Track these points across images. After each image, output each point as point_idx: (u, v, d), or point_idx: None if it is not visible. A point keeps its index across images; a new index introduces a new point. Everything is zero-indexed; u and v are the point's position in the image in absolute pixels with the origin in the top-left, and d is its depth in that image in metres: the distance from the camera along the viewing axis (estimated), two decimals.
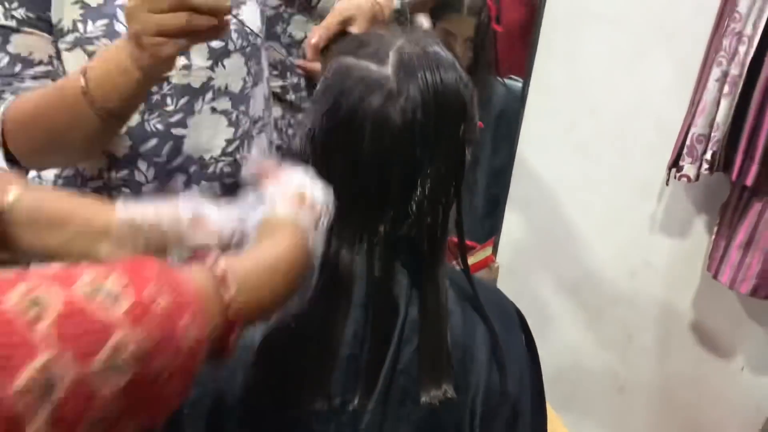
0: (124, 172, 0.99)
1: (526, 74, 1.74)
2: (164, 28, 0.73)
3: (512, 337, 0.82)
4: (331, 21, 0.93)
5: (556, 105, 1.75)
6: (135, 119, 0.96)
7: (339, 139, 0.70)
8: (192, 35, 0.75)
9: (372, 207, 0.72)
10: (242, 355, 0.70)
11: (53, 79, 0.89)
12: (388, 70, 0.70)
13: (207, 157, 1.02)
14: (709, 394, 1.94)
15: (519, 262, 1.90)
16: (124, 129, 0.94)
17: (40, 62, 0.89)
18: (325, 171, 0.69)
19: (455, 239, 0.78)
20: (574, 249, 1.86)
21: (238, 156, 1.06)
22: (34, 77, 0.88)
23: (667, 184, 1.70)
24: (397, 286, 0.74)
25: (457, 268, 0.81)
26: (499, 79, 1.96)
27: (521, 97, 1.76)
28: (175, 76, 0.97)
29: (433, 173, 0.71)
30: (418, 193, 0.71)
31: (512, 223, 1.88)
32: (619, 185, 1.78)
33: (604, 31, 1.66)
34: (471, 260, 1.90)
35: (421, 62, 0.70)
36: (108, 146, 0.97)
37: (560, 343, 1.94)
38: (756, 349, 1.88)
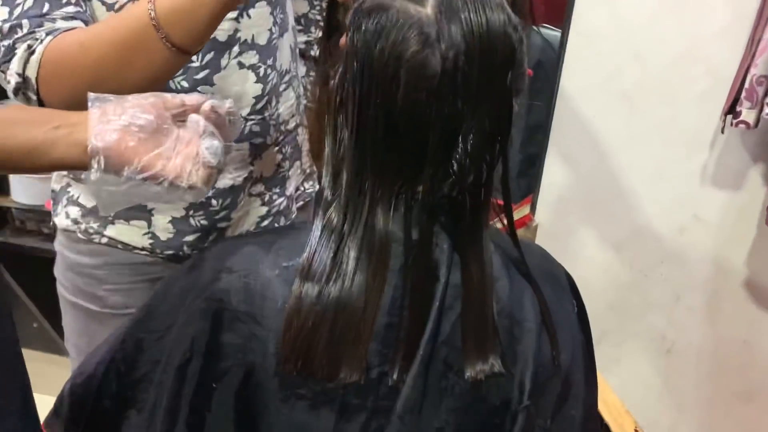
0: None
1: (564, 18, 1.65)
2: None
3: (563, 304, 0.76)
4: None
5: (598, 51, 1.66)
6: None
7: (371, 89, 0.64)
8: None
9: (409, 165, 0.66)
10: (273, 324, 0.66)
11: (84, 21, 0.82)
12: (428, 10, 0.63)
13: None
14: (762, 357, 1.86)
15: (558, 220, 1.84)
16: None
17: (68, 2, 0.81)
18: (356, 125, 0.64)
19: (499, 200, 0.71)
20: (619, 206, 1.79)
21: (266, 114, 1.01)
22: (65, 18, 0.80)
23: (722, 132, 1.60)
24: (437, 250, 0.68)
25: (501, 229, 0.74)
26: (533, 27, 1.88)
27: (560, 44, 1.68)
28: None
29: (477, 127, 0.64)
30: (460, 149, 0.65)
31: (551, 179, 1.81)
32: (667, 136, 1.68)
33: None
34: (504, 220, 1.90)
35: (465, 1, 0.63)
36: None
37: (603, 303, 1.88)
38: None
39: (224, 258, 0.71)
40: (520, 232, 1.72)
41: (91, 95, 0.64)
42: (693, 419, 1.97)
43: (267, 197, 1.05)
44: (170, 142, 0.64)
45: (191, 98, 0.67)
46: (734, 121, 1.52)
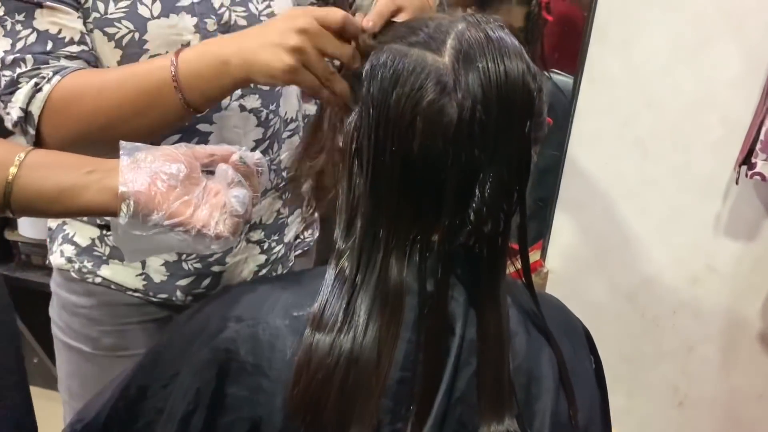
0: None
1: (578, 65, 1.65)
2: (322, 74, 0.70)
3: (580, 359, 0.74)
4: (383, 8, 0.85)
5: (611, 98, 1.65)
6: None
7: (387, 137, 0.62)
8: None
9: (424, 214, 0.65)
10: (281, 376, 0.64)
11: (87, 61, 0.82)
12: (445, 58, 0.62)
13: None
14: None
15: (569, 267, 1.81)
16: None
17: (71, 41, 0.82)
18: (371, 173, 0.63)
19: (514, 247, 0.69)
20: (631, 253, 1.76)
21: (267, 158, 0.99)
22: (69, 56, 0.81)
23: (737, 183, 1.58)
24: (453, 303, 0.66)
25: (513, 275, 0.72)
26: (545, 73, 1.89)
27: (572, 90, 1.67)
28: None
29: (495, 177, 0.63)
30: (477, 198, 0.63)
31: (562, 225, 1.79)
32: (680, 184, 1.67)
33: (664, 16, 1.55)
34: (517, 265, 1.88)
35: (483, 50, 0.62)
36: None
37: (615, 353, 1.84)
38: None
39: (232, 305, 0.69)
40: None
41: (123, 143, 0.65)
42: None
43: (266, 245, 1.04)
44: (199, 190, 0.65)
45: (220, 149, 0.68)
46: (749, 173, 1.51)
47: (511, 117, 0.62)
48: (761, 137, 1.48)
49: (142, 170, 0.63)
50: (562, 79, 1.82)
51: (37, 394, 0.79)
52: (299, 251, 1.14)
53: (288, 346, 0.65)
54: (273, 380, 0.64)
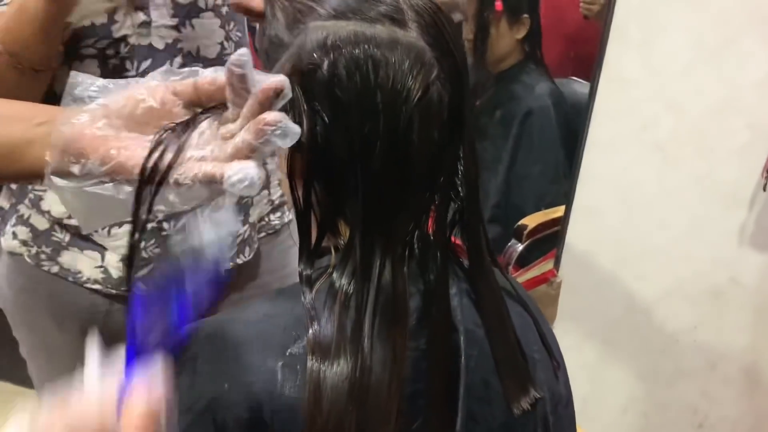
0: None
1: (595, 66, 1.58)
2: None
3: (549, 328, 0.73)
4: None
5: (630, 101, 1.57)
6: None
7: (374, 138, 0.55)
8: None
9: (417, 208, 0.60)
10: (286, 428, 0.56)
11: None
12: (413, 33, 0.55)
13: None
14: None
15: (584, 278, 1.73)
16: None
17: None
18: (359, 181, 0.56)
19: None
20: (649, 265, 1.68)
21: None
22: None
23: (764, 190, 1.49)
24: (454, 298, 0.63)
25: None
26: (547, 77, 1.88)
27: (590, 92, 1.61)
28: (133, 35, 0.85)
29: (467, 151, 0.60)
30: (460, 180, 0.61)
31: (577, 234, 1.71)
32: (703, 192, 1.59)
33: (685, 15, 1.48)
34: (529, 274, 1.83)
35: (439, 17, 0.56)
36: None
37: (630, 370, 1.76)
38: None
39: (213, 364, 0.59)
40: (542, 288, 1.67)
41: (74, 75, 0.52)
42: None
43: None
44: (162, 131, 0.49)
45: (203, 77, 0.52)
46: None
47: (468, 86, 0.59)
48: None
49: (86, 111, 0.50)
50: (579, 86, 1.80)
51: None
52: (263, 234, 1.09)
53: (288, 387, 0.57)
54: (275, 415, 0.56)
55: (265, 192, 1.06)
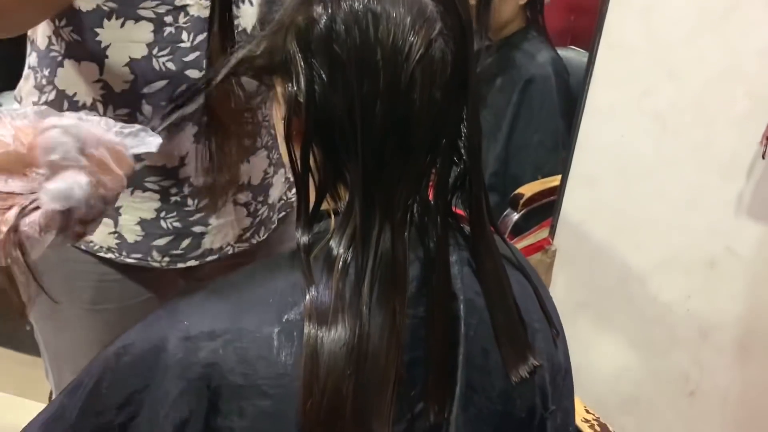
0: (122, 111, 0.85)
1: (594, 32, 1.55)
2: None
3: (548, 296, 0.73)
4: None
5: (629, 68, 1.55)
6: (141, 51, 0.82)
7: (372, 99, 0.54)
8: None
9: (419, 172, 0.59)
10: (286, 393, 0.56)
11: None
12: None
13: None
14: None
15: (579, 246, 1.73)
16: (125, 58, 0.80)
17: None
18: (357, 142, 0.55)
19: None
20: (645, 234, 1.68)
21: (259, 114, 0.95)
22: None
23: (763, 158, 1.48)
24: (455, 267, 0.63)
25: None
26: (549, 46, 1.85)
27: (588, 59, 1.59)
28: (194, 5, 0.83)
29: (470, 115, 0.58)
30: (463, 143, 0.59)
31: (573, 202, 1.70)
32: (701, 161, 1.57)
33: None
34: (524, 242, 1.83)
35: None
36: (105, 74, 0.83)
37: (624, 339, 1.77)
38: None
39: (192, 318, 0.58)
40: (537, 257, 1.67)
41: None
42: None
43: (252, 207, 0.96)
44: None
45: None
46: None
47: (472, 46, 0.57)
48: None
49: None
50: (569, 51, 1.78)
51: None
52: (282, 213, 1.07)
53: (284, 354, 0.56)
54: (278, 400, 0.55)
55: (282, 170, 1.04)
